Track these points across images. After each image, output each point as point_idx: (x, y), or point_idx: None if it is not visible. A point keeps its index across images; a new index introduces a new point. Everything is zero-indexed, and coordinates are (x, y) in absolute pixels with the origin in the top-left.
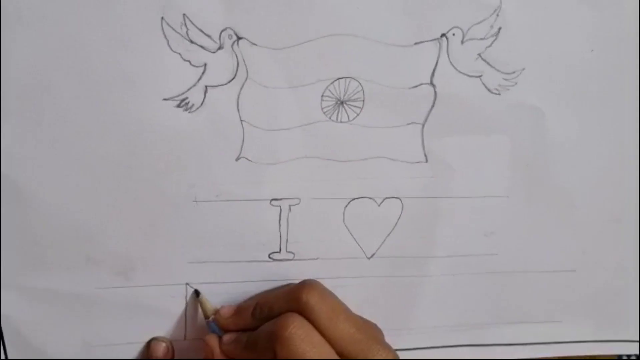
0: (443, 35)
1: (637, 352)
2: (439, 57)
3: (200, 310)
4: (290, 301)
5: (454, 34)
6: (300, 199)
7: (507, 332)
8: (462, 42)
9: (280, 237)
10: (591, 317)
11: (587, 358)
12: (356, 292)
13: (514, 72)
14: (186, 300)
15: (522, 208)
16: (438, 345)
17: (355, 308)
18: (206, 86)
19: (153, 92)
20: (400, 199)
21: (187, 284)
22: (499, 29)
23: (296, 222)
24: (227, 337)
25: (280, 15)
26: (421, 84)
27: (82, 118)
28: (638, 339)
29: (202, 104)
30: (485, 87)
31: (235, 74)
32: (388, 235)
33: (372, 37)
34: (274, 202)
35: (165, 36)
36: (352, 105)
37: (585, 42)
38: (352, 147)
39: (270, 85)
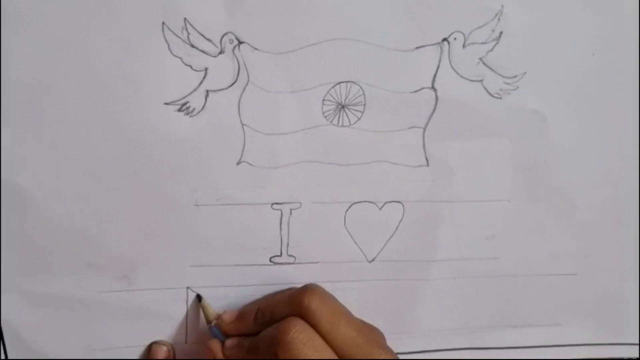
0: (444, 39)
1: (638, 355)
2: (440, 61)
3: (201, 314)
4: (292, 305)
5: (455, 38)
6: (301, 203)
7: (508, 335)
8: (464, 46)
9: (281, 240)
10: (591, 319)
11: None
12: (357, 296)
13: (515, 76)
14: (187, 304)
15: (524, 211)
16: (439, 348)
17: (356, 312)
18: (207, 90)
19: (154, 96)
20: (401, 203)
21: (188, 287)
22: (501, 33)
23: (297, 226)
24: (229, 342)
25: (281, 20)
26: (422, 88)
27: (83, 122)
28: (638, 342)
29: (203, 108)
30: (487, 91)
31: (236, 79)
32: (389, 239)
33: (373, 42)
34: (275, 206)
35: (166, 40)
36: (353, 110)
37: (587, 46)
38: (353, 151)
39: (271, 90)
